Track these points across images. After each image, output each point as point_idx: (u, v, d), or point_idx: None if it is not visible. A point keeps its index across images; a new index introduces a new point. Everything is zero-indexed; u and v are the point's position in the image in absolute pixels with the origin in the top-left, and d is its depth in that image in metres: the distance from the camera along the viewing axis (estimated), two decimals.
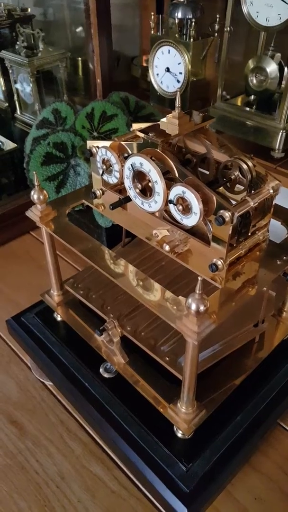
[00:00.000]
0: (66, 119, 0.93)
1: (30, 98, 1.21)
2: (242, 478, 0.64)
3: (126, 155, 0.56)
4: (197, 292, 0.43)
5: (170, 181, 0.52)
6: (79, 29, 1.26)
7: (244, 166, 0.53)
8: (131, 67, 1.38)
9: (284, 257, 0.55)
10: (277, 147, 0.95)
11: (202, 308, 0.44)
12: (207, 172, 0.58)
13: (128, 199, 0.57)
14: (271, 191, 0.51)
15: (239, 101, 1.06)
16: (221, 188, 0.58)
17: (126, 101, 0.95)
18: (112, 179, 0.58)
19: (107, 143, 0.56)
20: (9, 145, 1.16)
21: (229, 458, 0.58)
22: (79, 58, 1.29)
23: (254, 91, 1.03)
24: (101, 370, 0.66)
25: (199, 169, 0.59)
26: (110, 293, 0.68)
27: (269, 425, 0.64)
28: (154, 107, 1.04)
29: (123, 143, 0.56)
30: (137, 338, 0.61)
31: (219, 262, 0.50)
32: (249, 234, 0.54)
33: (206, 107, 1.11)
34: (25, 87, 1.21)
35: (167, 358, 0.57)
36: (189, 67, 1.03)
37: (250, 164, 0.53)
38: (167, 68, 1.07)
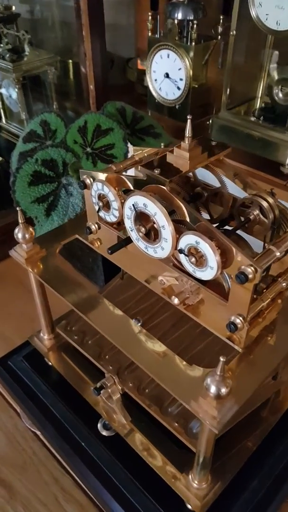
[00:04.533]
0: (56, 132, 0.85)
1: (16, 106, 1.12)
2: None
3: (125, 189, 0.48)
4: (218, 373, 0.35)
5: (177, 223, 0.44)
6: (70, 29, 1.16)
7: (265, 204, 0.45)
8: (126, 69, 1.29)
9: None
10: (287, 162, 0.87)
11: (223, 391, 0.36)
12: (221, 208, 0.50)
13: (129, 240, 0.49)
14: None
15: (245, 111, 0.98)
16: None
17: (123, 112, 0.86)
18: (111, 217, 0.50)
19: (103, 176, 0.48)
20: None
21: None
22: (70, 61, 1.19)
23: (280, 105, 0.92)
24: (99, 426, 0.59)
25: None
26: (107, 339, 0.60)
27: None
28: (151, 116, 0.96)
29: (122, 176, 0.47)
30: (140, 396, 0.53)
31: (238, 320, 0.42)
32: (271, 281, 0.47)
33: (208, 115, 1.02)
34: (10, 93, 1.11)
35: (176, 424, 0.50)
36: (190, 72, 0.94)
37: (271, 201, 0.46)
38: (166, 74, 0.98)
